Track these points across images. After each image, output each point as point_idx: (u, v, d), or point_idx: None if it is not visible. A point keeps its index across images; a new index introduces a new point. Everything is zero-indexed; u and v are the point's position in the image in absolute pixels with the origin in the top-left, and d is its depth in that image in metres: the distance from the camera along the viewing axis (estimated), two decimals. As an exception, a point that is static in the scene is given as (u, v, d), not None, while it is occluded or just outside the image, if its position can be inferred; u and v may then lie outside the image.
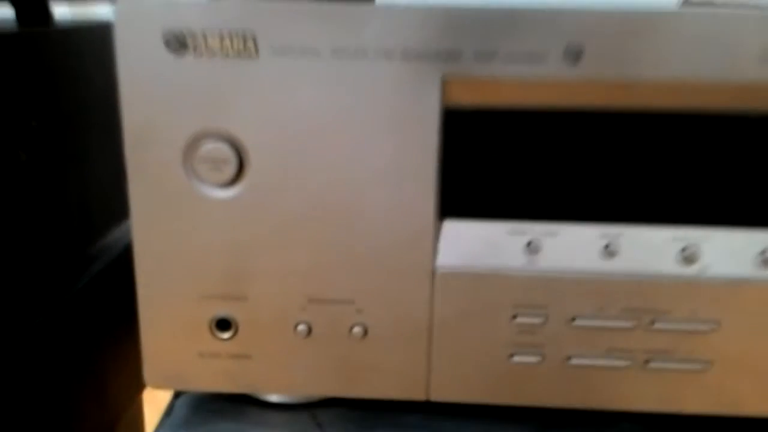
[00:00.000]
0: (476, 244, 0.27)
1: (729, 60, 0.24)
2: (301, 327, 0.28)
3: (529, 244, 0.27)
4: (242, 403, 0.32)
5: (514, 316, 0.27)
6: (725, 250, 0.27)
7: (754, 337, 0.27)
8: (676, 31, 0.24)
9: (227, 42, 0.24)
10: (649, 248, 0.27)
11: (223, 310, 0.28)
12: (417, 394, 0.28)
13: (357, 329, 0.28)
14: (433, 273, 0.27)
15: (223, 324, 0.28)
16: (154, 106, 0.25)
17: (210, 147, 0.26)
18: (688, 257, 0.27)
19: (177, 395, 0.33)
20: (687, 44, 0.24)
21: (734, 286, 0.27)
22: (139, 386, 0.48)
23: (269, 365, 0.28)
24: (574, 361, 0.28)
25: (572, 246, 0.27)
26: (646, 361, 0.28)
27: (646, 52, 0.24)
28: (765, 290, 0.27)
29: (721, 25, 0.24)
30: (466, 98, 0.25)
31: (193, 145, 0.26)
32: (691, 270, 0.27)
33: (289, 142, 0.26)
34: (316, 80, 0.25)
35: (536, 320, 0.27)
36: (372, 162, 0.26)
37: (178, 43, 0.24)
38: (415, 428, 0.31)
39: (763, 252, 0.26)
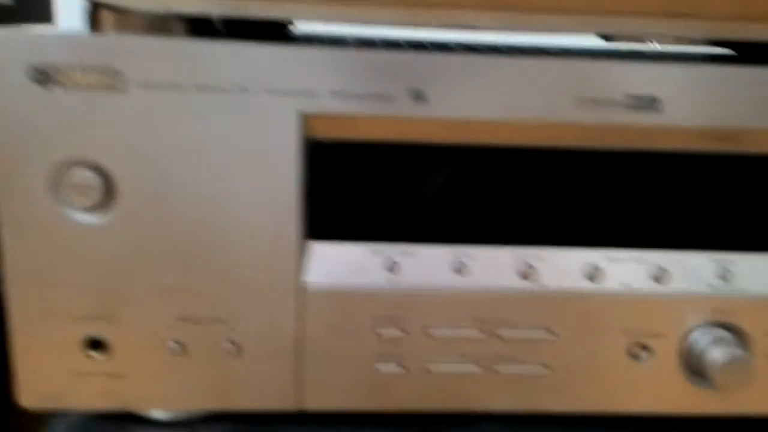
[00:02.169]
0: (341, 263, 0.30)
1: (548, 102, 0.28)
2: (174, 345, 0.29)
3: (388, 263, 0.30)
4: (125, 421, 0.34)
5: (377, 329, 0.30)
6: (558, 267, 0.31)
7: (586, 342, 0.31)
8: (505, 75, 0.28)
9: (92, 76, 0.26)
10: (495, 266, 0.30)
11: (95, 331, 0.29)
12: (289, 405, 0.31)
13: (229, 346, 0.30)
14: (300, 291, 0.30)
15: (96, 344, 0.29)
16: (20, 135, 0.27)
17: (77, 175, 0.27)
18: (527, 273, 0.30)
19: (58, 415, 0.34)
20: (514, 87, 0.28)
21: (566, 298, 0.30)
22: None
23: (143, 383, 0.30)
24: (433, 368, 0.31)
25: (427, 264, 0.30)
26: (495, 366, 0.31)
27: (479, 93, 0.28)
28: (593, 302, 0.31)
29: (542, 70, 0.28)
30: (325, 132, 0.28)
31: (59, 172, 0.27)
32: (530, 284, 0.30)
33: (157, 171, 0.28)
34: (181, 113, 0.27)
35: (397, 332, 0.30)
36: (236, 189, 0.28)
37: (42, 76, 0.26)
38: (293, 438, 0.33)
39: (589, 268, 0.30)
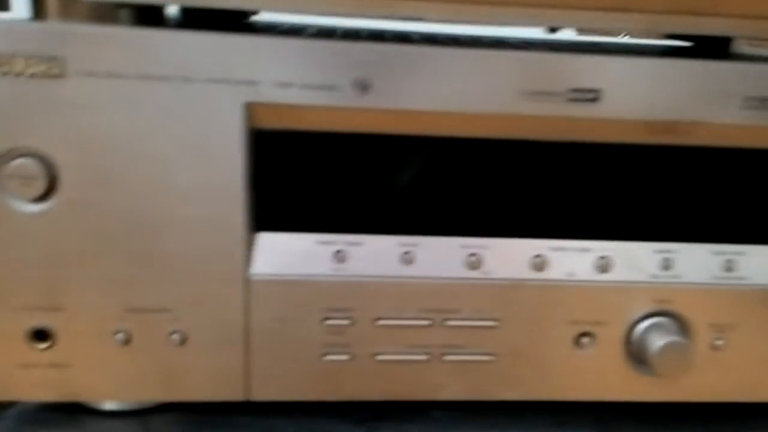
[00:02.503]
0: (288, 254, 0.30)
1: (492, 94, 0.29)
2: (120, 335, 0.29)
3: (336, 253, 0.30)
4: (76, 412, 0.33)
5: (325, 319, 0.31)
6: (505, 257, 0.31)
7: (531, 331, 0.32)
8: (449, 66, 0.28)
9: (34, 64, 0.26)
10: (441, 256, 0.31)
11: (39, 321, 0.29)
12: (237, 395, 0.31)
13: (175, 336, 0.30)
14: (247, 282, 0.30)
15: (41, 335, 0.29)
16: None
17: (19, 163, 0.27)
18: (474, 263, 0.31)
19: (6, 405, 0.34)
20: (458, 79, 0.29)
21: (512, 287, 0.31)
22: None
23: (90, 374, 0.30)
24: (380, 357, 0.31)
25: (375, 254, 0.31)
26: (442, 355, 0.31)
27: (424, 84, 0.28)
28: (538, 291, 0.31)
29: (486, 62, 0.29)
30: (270, 122, 0.28)
31: (1, 161, 0.27)
32: (476, 274, 0.31)
33: (100, 160, 0.28)
34: (124, 102, 0.27)
35: (344, 322, 0.31)
36: (181, 179, 0.28)
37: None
38: (245, 428, 0.33)
39: (534, 258, 0.31)
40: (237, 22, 0.38)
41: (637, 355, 0.32)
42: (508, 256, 0.31)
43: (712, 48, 0.37)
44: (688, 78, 0.30)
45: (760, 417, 0.35)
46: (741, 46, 0.41)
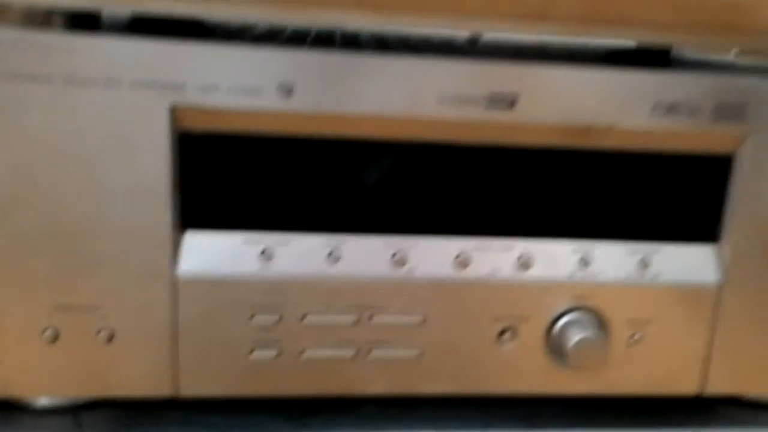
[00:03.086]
0: (215, 252, 0.31)
1: (413, 99, 0.30)
2: (48, 332, 0.30)
3: (263, 252, 0.31)
4: (9, 409, 0.34)
5: (252, 316, 0.32)
6: (430, 255, 0.33)
7: (455, 327, 0.33)
8: (372, 72, 0.30)
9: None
10: (367, 254, 0.32)
11: (-35, 319, 0.29)
12: (165, 392, 0.32)
13: (103, 333, 0.31)
14: (174, 280, 0.31)
15: (-32, 332, 0.30)
16: None
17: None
18: (398, 261, 0.32)
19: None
20: (380, 84, 0.30)
21: (436, 284, 0.32)
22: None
23: (19, 370, 0.31)
24: (308, 354, 0.33)
25: (301, 253, 0.32)
26: (369, 351, 0.33)
27: (347, 89, 0.30)
28: (461, 288, 0.33)
29: (407, 69, 0.30)
30: (195, 125, 0.30)
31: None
32: (401, 272, 0.32)
33: (27, 162, 0.28)
34: (51, 105, 0.28)
35: (271, 319, 0.32)
36: (109, 180, 0.29)
37: None
38: (176, 424, 0.34)
39: (458, 256, 0.32)
40: (193, 26, 0.39)
41: (556, 349, 0.34)
42: (433, 255, 0.33)
43: (653, 52, 0.38)
44: (600, 85, 0.31)
45: (676, 409, 0.37)
46: (682, 52, 0.43)
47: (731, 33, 0.32)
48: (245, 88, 0.29)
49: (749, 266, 0.34)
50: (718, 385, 0.36)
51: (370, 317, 0.32)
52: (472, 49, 0.34)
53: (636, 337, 0.34)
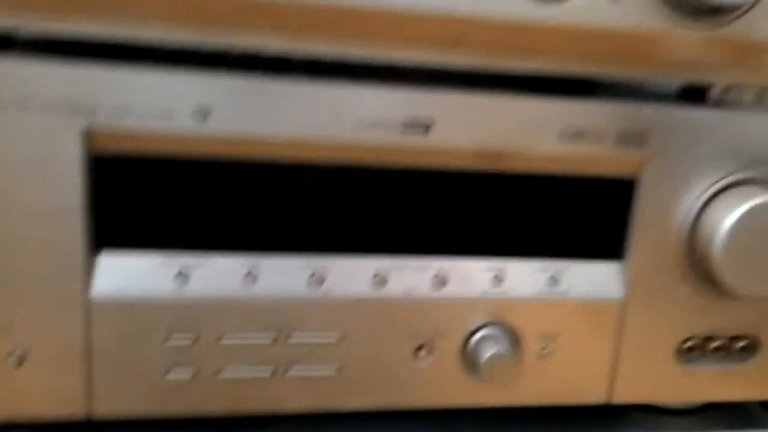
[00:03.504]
0: (130, 274, 0.31)
1: (330, 123, 0.31)
2: (-46, 358, 0.30)
3: (179, 273, 0.32)
4: None
5: (168, 338, 0.32)
6: (347, 274, 0.33)
7: (373, 344, 0.34)
8: (289, 96, 0.30)
9: None
10: (285, 274, 0.33)
11: None
12: (79, 414, 0.32)
13: (14, 356, 0.30)
14: (87, 302, 0.31)
15: None
16: None
17: None
18: (316, 280, 0.33)
19: None
20: (298, 108, 0.31)
21: (354, 303, 0.33)
22: None
23: None
24: (225, 374, 0.33)
25: (218, 274, 0.32)
26: (287, 370, 0.33)
27: (265, 113, 0.30)
28: (378, 307, 0.34)
29: (325, 94, 0.31)
30: (109, 147, 0.30)
31: None
32: (318, 292, 0.33)
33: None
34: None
35: (188, 340, 0.32)
36: (20, 202, 0.29)
37: None
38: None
39: (375, 275, 0.34)
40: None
41: (471, 364, 0.35)
42: (350, 274, 0.34)
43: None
44: (510, 112, 0.33)
45: (584, 417, 0.40)
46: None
47: (635, 64, 0.35)
48: (159, 111, 0.29)
49: (651, 282, 0.36)
50: (625, 394, 0.38)
51: (288, 336, 0.33)
52: (394, 73, 0.35)
53: (546, 350, 0.36)
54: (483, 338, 0.35)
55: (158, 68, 0.30)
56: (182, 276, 0.32)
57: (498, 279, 0.35)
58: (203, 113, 0.30)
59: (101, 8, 0.28)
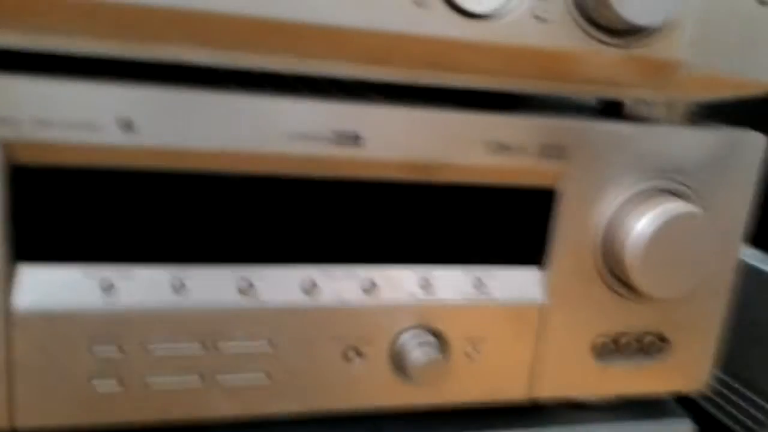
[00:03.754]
0: (53, 286, 0.31)
1: (260, 135, 0.31)
2: None
3: (103, 284, 0.32)
4: None
5: (93, 349, 0.32)
6: (277, 283, 0.34)
7: (304, 351, 0.35)
8: (216, 108, 0.31)
9: None
10: (213, 283, 0.33)
11: None
12: (2, 426, 0.31)
13: (-71, 373, 0.29)
14: (8, 314, 0.30)
15: None
16: None
17: None
18: (245, 290, 0.34)
19: None
20: (226, 120, 0.31)
21: (284, 312, 0.34)
22: None
23: None
24: (153, 383, 0.33)
25: (144, 285, 0.32)
26: (215, 377, 0.34)
27: (191, 125, 0.30)
28: (309, 314, 0.34)
29: (253, 106, 0.31)
30: (30, 159, 0.29)
31: None
32: (248, 300, 0.34)
33: None
34: None
35: (114, 352, 0.32)
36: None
37: None
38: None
39: (304, 283, 0.34)
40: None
41: (401, 367, 0.37)
42: (279, 282, 0.34)
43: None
44: (437, 125, 0.34)
45: (508, 414, 0.42)
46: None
47: (558, 80, 0.36)
48: (82, 123, 0.29)
49: (570, 286, 0.38)
50: (545, 391, 0.40)
51: (217, 345, 0.34)
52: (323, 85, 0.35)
53: (472, 351, 0.38)
54: (412, 342, 0.36)
55: (80, 79, 0.29)
56: (107, 287, 0.32)
57: (425, 285, 0.37)
58: (126, 125, 0.29)
59: (20, 18, 0.27)
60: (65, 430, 0.33)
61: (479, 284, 0.38)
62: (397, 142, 0.34)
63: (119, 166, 0.31)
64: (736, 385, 0.54)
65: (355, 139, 0.33)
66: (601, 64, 0.35)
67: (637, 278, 0.37)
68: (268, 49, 0.31)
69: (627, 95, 0.39)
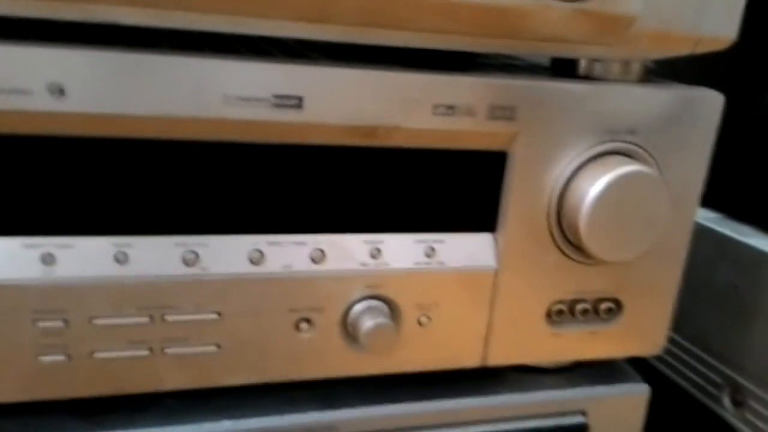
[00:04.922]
0: (-10, 258, 0.31)
1: (197, 99, 0.31)
2: None
3: (43, 256, 0.32)
4: None
5: (37, 322, 0.32)
6: (223, 253, 0.35)
7: (253, 321, 0.35)
8: (152, 72, 0.31)
9: None
10: (157, 254, 0.34)
11: None
12: (-57, 402, 0.32)
13: None
14: (-57, 289, 0.30)
15: None
16: None
17: None
18: (190, 260, 0.34)
19: None
20: (161, 84, 0.31)
21: (231, 281, 0.35)
22: None
23: None
24: (99, 356, 0.34)
25: (87, 256, 0.33)
26: (163, 349, 0.34)
27: (125, 89, 0.31)
28: (257, 284, 0.35)
29: (189, 68, 0.31)
30: (-43, 127, 0.29)
31: None
32: (194, 270, 0.34)
33: None
34: None
35: (58, 323, 0.33)
36: None
37: None
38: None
39: (251, 252, 0.35)
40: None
41: (352, 336, 0.38)
42: (226, 252, 0.35)
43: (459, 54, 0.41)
44: (383, 87, 0.34)
45: (462, 380, 0.43)
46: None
47: (507, 38, 0.37)
48: (12, 88, 0.29)
49: (523, 251, 0.39)
50: (499, 357, 0.41)
51: (164, 316, 0.34)
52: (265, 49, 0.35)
53: (424, 318, 0.39)
54: (363, 310, 0.37)
55: (8, 43, 0.29)
56: (48, 258, 0.32)
57: (375, 252, 0.37)
58: (58, 90, 0.29)
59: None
60: (11, 404, 0.34)
61: (430, 251, 0.38)
62: (341, 105, 0.34)
63: (52, 132, 0.31)
64: (694, 348, 0.56)
65: (297, 102, 0.33)
66: (551, 20, 0.35)
67: (589, 242, 0.38)
68: (204, 8, 0.31)
69: (580, 53, 0.39)
